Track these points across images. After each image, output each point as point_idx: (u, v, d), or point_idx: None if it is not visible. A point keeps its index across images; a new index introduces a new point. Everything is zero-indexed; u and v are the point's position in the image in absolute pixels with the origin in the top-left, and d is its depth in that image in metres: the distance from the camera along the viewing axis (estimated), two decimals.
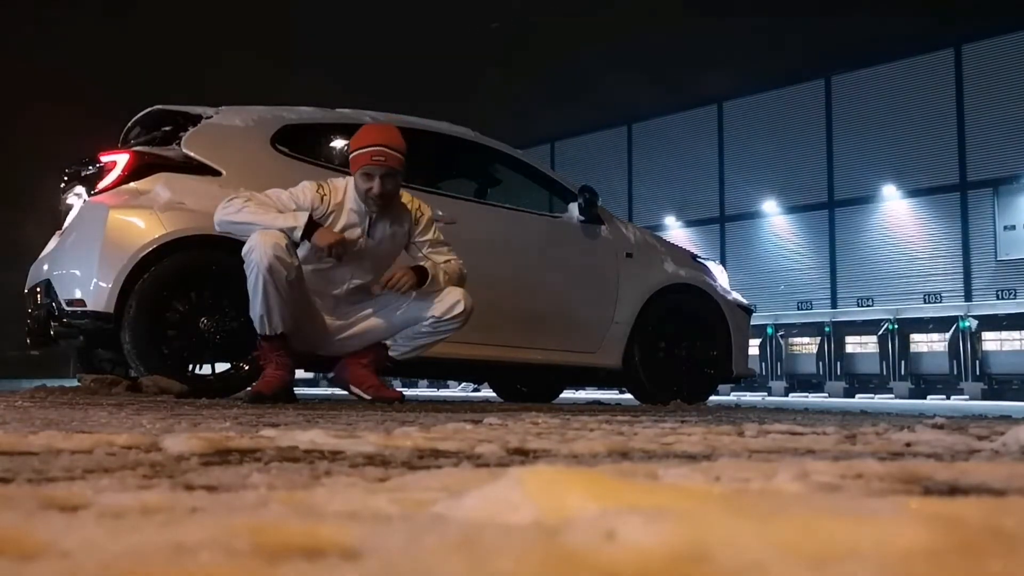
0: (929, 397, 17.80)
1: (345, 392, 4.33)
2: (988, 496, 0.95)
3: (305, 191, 3.90)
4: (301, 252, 3.86)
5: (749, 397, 16.63)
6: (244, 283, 3.85)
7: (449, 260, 4.10)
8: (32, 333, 4.60)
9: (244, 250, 3.74)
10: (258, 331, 3.85)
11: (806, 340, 21.00)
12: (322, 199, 3.90)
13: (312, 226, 3.79)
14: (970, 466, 1.21)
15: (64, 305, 4.15)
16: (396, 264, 4.12)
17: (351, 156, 3.94)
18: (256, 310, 3.78)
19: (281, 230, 3.74)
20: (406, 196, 4.11)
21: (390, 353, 4.15)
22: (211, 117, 4.60)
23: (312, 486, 0.96)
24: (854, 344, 20.34)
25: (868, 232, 22.87)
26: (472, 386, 16.76)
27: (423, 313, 3.99)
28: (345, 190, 3.97)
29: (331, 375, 4.36)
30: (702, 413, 4.03)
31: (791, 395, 19.57)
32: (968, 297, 20.87)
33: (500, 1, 20.90)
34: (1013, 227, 20.65)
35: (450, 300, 3.99)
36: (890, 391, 19.11)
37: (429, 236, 4.10)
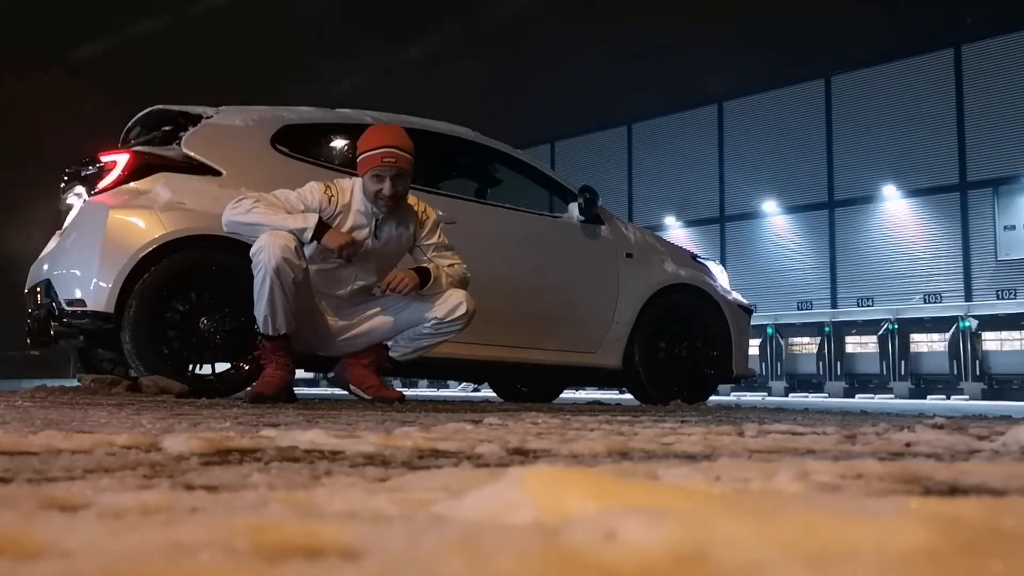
0: (929, 397, 17.80)
1: (345, 392, 4.33)
2: (988, 496, 0.95)
3: (313, 192, 3.90)
4: (307, 252, 3.87)
5: (749, 397, 16.63)
6: (243, 283, 3.85)
7: (453, 264, 4.10)
8: (32, 333, 4.60)
9: (252, 250, 3.74)
10: (261, 331, 3.85)
11: (806, 340, 21.00)
12: (329, 200, 3.90)
13: (322, 227, 3.79)
14: (970, 466, 1.21)
15: (64, 305, 4.15)
16: (400, 266, 4.12)
17: (359, 158, 3.93)
18: (261, 310, 3.78)
19: (291, 231, 3.74)
20: (412, 199, 4.11)
21: (391, 354, 4.15)
22: (211, 117, 4.60)
23: (312, 486, 0.96)
24: (854, 344, 20.34)
25: (868, 232, 22.87)
26: (472, 386, 16.76)
27: (425, 314, 3.99)
28: (352, 191, 3.97)
29: (331, 375, 4.36)
30: (702, 413, 4.03)
31: (791, 395, 19.57)
32: (968, 297, 20.87)
33: (500, 1, 20.89)
34: (1013, 227, 20.65)
35: (453, 302, 3.99)
36: (890, 391, 19.11)
37: (434, 240, 4.10)
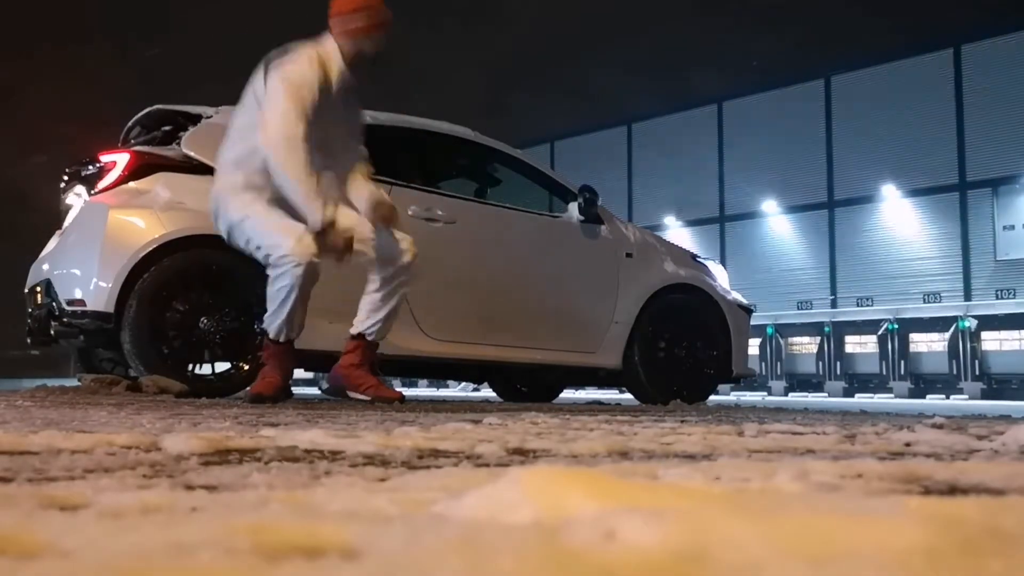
0: (929, 397, 17.81)
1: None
2: (987, 496, 0.95)
3: (313, 67, 3.71)
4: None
5: (749, 397, 16.63)
6: (243, 283, 3.83)
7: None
8: (32, 332, 4.60)
9: (275, 256, 3.63)
10: (272, 337, 3.81)
11: (806, 340, 21.02)
12: (322, 67, 3.76)
13: (330, 225, 3.69)
14: (969, 466, 1.21)
15: (64, 305, 4.15)
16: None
17: (349, 17, 3.78)
18: (278, 320, 3.72)
19: (306, 211, 3.58)
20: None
21: (368, 338, 4.04)
22: (211, 117, 4.60)
23: (312, 486, 0.96)
24: (854, 344, 20.36)
25: (868, 232, 22.89)
26: (472, 386, 16.76)
27: (373, 274, 3.92)
28: (330, 54, 3.83)
29: (325, 387, 4.28)
30: (702, 413, 4.03)
31: (791, 395, 19.59)
32: (967, 297, 20.89)
33: (501, 2, 20.89)
34: (1012, 227, 20.68)
35: (395, 252, 3.89)
36: (890, 391, 19.13)
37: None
